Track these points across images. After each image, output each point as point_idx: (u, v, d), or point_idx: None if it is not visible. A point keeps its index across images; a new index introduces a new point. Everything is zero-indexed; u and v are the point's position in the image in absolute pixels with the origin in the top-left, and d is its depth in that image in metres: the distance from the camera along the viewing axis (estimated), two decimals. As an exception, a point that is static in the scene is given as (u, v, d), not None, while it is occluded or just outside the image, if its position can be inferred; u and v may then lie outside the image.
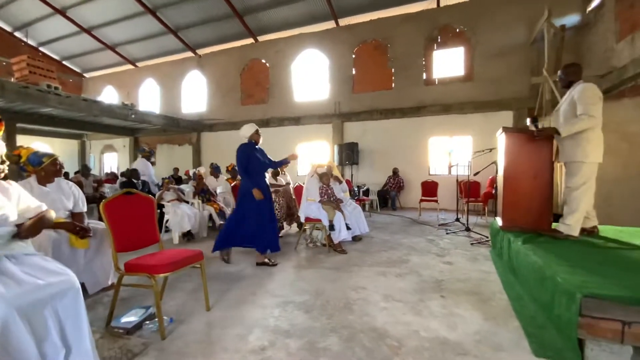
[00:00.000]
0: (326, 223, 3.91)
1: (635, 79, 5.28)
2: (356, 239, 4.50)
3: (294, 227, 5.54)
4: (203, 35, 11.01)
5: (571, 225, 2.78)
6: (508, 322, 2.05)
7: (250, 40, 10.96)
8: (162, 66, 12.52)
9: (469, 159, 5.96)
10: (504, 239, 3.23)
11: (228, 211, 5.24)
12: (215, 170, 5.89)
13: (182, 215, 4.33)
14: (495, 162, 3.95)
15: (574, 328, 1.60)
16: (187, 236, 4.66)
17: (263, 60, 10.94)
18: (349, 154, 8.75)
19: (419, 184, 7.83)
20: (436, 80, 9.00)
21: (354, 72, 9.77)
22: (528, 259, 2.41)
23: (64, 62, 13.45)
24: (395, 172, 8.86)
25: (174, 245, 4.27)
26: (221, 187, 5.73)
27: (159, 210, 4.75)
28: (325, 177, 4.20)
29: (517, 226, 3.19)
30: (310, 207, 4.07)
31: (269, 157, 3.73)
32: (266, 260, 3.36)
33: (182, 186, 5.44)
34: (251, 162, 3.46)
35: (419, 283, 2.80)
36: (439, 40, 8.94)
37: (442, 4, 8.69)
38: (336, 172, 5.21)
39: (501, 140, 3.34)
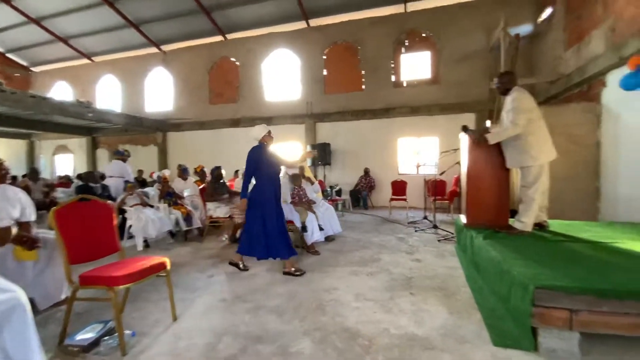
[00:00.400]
0: (299, 225, 3.90)
1: (580, 85, 5.81)
2: (329, 239, 4.53)
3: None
4: (168, 30, 10.51)
5: (525, 222, 3.00)
6: (471, 315, 2.17)
7: (219, 38, 10.65)
8: (123, 62, 11.79)
9: (435, 159, 6.22)
10: (467, 236, 3.40)
11: (197, 214, 5.05)
12: (183, 172, 5.64)
13: (146, 221, 4.11)
14: (459, 162, 4.15)
15: (528, 317, 1.72)
16: (153, 241, 4.44)
17: (232, 59, 10.68)
18: (322, 154, 8.79)
19: (389, 183, 8.05)
20: (404, 83, 9.30)
21: (325, 72, 9.82)
22: (488, 254, 2.57)
23: (8, 55, 12.23)
24: (366, 172, 9.04)
25: (138, 253, 4.04)
26: (189, 189, 5.51)
27: (120, 216, 4.50)
28: (296, 179, 4.18)
29: (479, 223, 3.38)
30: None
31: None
32: (292, 269, 3.10)
33: (147, 189, 5.16)
34: (260, 167, 3.23)
35: (389, 281, 2.88)
36: (406, 44, 9.25)
37: (409, 10, 8.99)
38: (308, 173, 5.21)
39: (463, 141, 3.52)
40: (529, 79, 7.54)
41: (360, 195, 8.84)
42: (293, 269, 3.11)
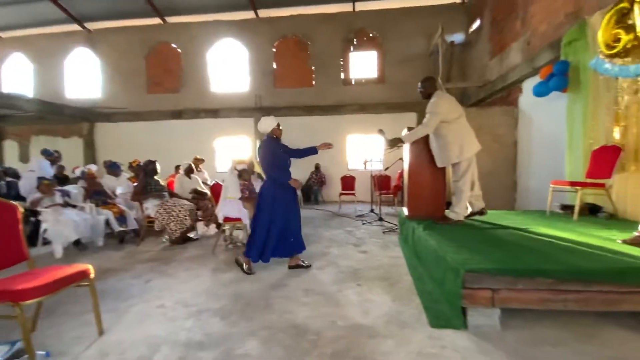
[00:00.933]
0: (247, 222, 3.77)
1: (502, 91, 6.58)
2: None
3: (212, 228, 5.19)
4: (94, 6, 9.27)
5: (458, 212, 3.31)
6: (411, 301, 2.32)
7: (157, 20, 9.72)
8: (36, 39, 10.12)
9: (381, 155, 6.52)
10: (409, 227, 3.64)
11: (133, 214, 4.57)
12: (112, 168, 5.05)
13: (65, 223, 3.59)
14: (401, 159, 4.40)
15: (459, 298, 1.90)
16: (79, 246, 3.91)
17: (174, 45, 9.86)
18: (272, 149, 8.62)
19: (339, 178, 8.24)
20: (353, 81, 9.56)
21: (274, 66, 9.63)
22: (427, 243, 2.77)
23: None
24: (317, 167, 9.13)
25: (56, 261, 3.52)
26: (122, 187, 4.96)
27: (33, 219, 3.88)
28: (245, 174, 4.03)
29: (419, 214, 3.64)
30: (229, 206, 3.85)
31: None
32: (300, 262, 3.11)
33: (69, 187, 4.50)
34: (278, 158, 3.09)
35: (337, 274, 2.94)
36: (355, 42, 9.49)
37: (357, 9, 9.23)
38: (258, 169, 5.06)
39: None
40: (462, 83, 8.31)
41: (312, 191, 8.90)
42: (300, 261, 3.12)
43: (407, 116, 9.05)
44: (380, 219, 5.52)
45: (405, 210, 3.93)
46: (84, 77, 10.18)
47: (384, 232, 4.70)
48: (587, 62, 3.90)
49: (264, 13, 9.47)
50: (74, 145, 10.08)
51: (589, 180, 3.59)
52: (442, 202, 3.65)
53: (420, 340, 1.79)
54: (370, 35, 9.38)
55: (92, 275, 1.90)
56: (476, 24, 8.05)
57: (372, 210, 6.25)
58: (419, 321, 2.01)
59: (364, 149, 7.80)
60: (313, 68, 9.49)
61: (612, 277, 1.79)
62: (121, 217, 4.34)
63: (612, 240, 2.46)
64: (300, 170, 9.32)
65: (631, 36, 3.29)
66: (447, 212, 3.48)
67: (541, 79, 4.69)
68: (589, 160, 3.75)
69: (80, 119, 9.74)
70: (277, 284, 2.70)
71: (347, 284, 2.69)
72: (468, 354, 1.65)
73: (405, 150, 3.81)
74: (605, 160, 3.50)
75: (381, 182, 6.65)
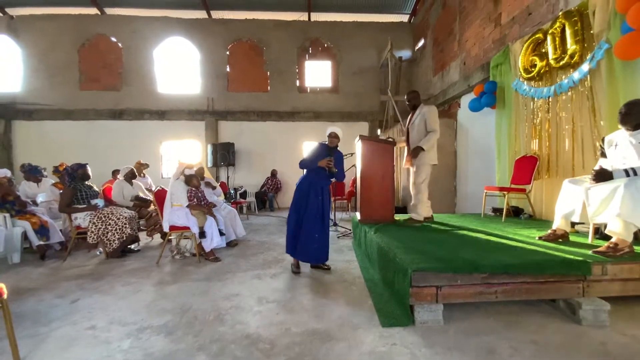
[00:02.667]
0: (196, 230, 3.55)
1: (444, 104, 7.21)
2: (232, 244, 4.29)
3: (157, 237, 4.80)
4: (17, -10, 8.16)
5: (421, 213, 3.67)
6: (364, 303, 2.38)
7: (93, 10, 8.86)
8: None
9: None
10: (361, 231, 3.76)
11: (57, 225, 4.02)
12: (30, 173, 4.40)
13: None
14: (354, 165, 4.55)
15: (407, 297, 2.00)
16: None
17: (113, 39, 9.05)
18: (224, 154, 8.32)
19: (295, 185, 8.21)
20: (308, 89, 9.70)
21: (228, 69, 9.37)
22: (378, 245, 2.88)
23: None
24: (273, 173, 9.01)
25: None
26: (44, 194, 4.35)
27: None
28: (194, 179, 3.81)
29: (371, 219, 3.78)
30: (176, 214, 3.60)
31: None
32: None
33: (-26, 195, 3.80)
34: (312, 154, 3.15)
35: (292, 280, 2.90)
36: (310, 51, 9.67)
37: (312, 19, 9.44)
38: (208, 175, 4.83)
39: (358, 146, 3.89)
40: (409, 96, 8.91)
41: (267, 197, 8.74)
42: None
43: (360, 125, 9.44)
44: (335, 224, 5.62)
45: (358, 215, 4.05)
46: (1, 68, 8.80)
47: (338, 237, 4.79)
48: (510, 83, 4.49)
49: (217, 14, 9.20)
50: (-17, 145, 8.62)
51: (513, 186, 4.09)
52: (391, 207, 3.85)
53: (372, 341, 1.84)
54: (325, 45, 9.64)
55: (5, 295, 1.62)
56: (421, 42, 8.77)
57: (326, 216, 6.33)
58: (370, 322, 2.07)
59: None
60: (268, 73, 9.43)
61: (532, 269, 2.05)
62: (42, 229, 3.78)
63: (532, 237, 2.82)
64: (254, 176, 9.13)
65: (544, 63, 3.87)
66: (411, 215, 3.78)
67: (475, 96, 5.26)
68: (513, 168, 4.27)
69: (-8, 116, 8.37)
70: (228, 294, 2.58)
71: (301, 289, 2.67)
72: (415, 348, 1.74)
73: (358, 157, 3.95)
74: (526, 168, 4.03)
75: (335, 188, 6.80)
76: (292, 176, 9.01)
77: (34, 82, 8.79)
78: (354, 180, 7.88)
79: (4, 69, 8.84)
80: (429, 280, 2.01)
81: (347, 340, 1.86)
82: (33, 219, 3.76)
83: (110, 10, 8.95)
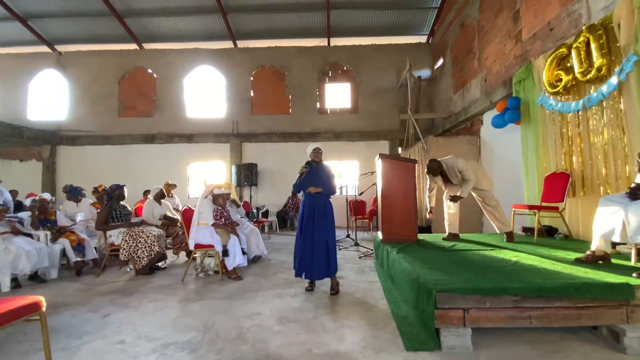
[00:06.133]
0: (219, 248, 3.64)
1: (465, 122, 7.12)
2: (256, 258, 4.38)
3: (183, 255, 4.95)
4: (65, 29, 9.20)
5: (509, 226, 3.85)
6: (387, 325, 2.31)
7: (133, 46, 9.75)
8: (1, 59, 9.72)
9: (356, 181, 6.68)
10: (384, 250, 3.68)
11: (93, 242, 4.27)
12: (71, 193, 4.75)
13: (17, 253, 3.28)
14: (375, 184, 4.54)
15: (432, 319, 1.92)
16: (37, 280, 3.59)
17: (149, 70, 9.85)
18: (248, 174, 8.58)
19: (315, 204, 8.24)
20: (328, 110, 9.94)
21: (252, 94, 9.83)
22: (401, 266, 2.81)
23: None
24: (294, 193, 9.12)
25: (4, 294, 3.16)
26: (83, 213, 4.66)
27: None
28: (220, 199, 3.95)
29: (393, 238, 3.71)
30: (201, 232, 3.73)
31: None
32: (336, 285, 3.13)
33: (22, 214, 4.15)
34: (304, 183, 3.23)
35: (313, 301, 2.88)
36: (330, 74, 9.99)
37: (332, 44, 9.82)
38: (234, 195, 5.00)
39: (378, 165, 3.90)
40: (429, 114, 8.90)
41: (288, 217, 8.82)
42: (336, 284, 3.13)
43: (380, 144, 9.46)
44: (356, 244, 5.54)
45: (379, 235, 3.99)
46: (49, 99, 9.78)
47: (359, 257, 4.71)
48: (535, 98, 4.38)
49: (242, 44, 9.81)
50: (32, 169, 9.45)
51: (544, 204, 3.89)
52: (414, 226, 3.77)
53: (396, 365, 1.77)
54: (345, 68, 9.94)
55: (43, 308, 1.74)
56: (440, 61, 8.83)
57: (348, 235, 6.28)
58: (394, 345, 2.00)
59: (340, 175, 7.99)
60: (290, 97, 9.80)
61: (569, 293, 1.91)
62: (79, 246, 4.03)
63: (567, 259, 2.65)
64: (276, 196, 9.28)
65: (570, 77, 3.77)
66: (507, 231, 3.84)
67: (498, 112, 5.17)
68: (543, 185, 4.08)
69: (41, 142, 9.20)
70: (250, 313, 2.59)
71: (322, 310, 2.64)
72: (442, 375, 1.66)
73: (379, 176, 3.95)
74: (557, 185, 3.84)
75: (356, 207, 6.75)
76: (312, 195, 9.07)
77: (78, 110, 9.66)
78: (375, 199, 7.80)
79: (52, 100, 9.81)
80: (455, 302, 1.93)
81: (369, 363, 1.80)
82: (72, 236, 4.02)
83: (148, 45, 9.81)
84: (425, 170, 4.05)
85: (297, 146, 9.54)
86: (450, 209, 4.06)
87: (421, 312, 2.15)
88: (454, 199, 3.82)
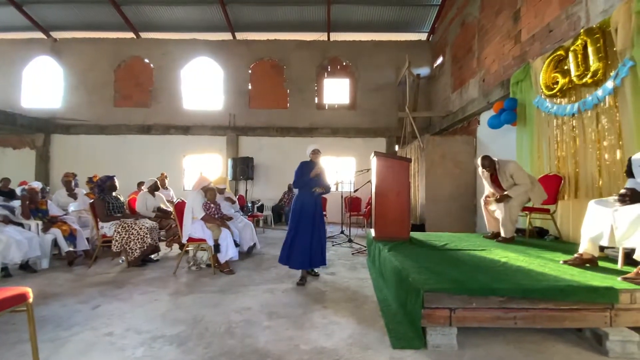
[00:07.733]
0: (211, 243, 3.64)
1: (462, 121, 7.12)
2: (250, 250, 4.48)
3: (176, 248, 4.95)
4: (61, 16, 9.02)
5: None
6: (376, 322, 2.33)
7: (129, 35, 9.60)
8: (-6, 44, 9.54)
9: (352, 177, 6.69)
10: (376, 248, 3.71)
11: (85, 233, 4.25)
12: (70, 183, 4.71)
13: (7, 243, 3.26)
14: (370, 181, 4.55)
15: (419, 318, 1.94)
16: (25, 269, 3.57)
17: (146, 60, 9.72)
18: (244, 168, 8.54)
19: (311, 199, 8.25)
20: (326, 106, 9.89)
21: (250, 87, 9.75)
22: (392, 264, 2.83)
23: None
24: (290, 188, 9.10)
25: (-8, 284, 3.15)
26: (76, 203, 4.63)
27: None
28: (210, 192, 3.93)
29: (386, 236, 3.73)
30: (193, 226, 3.72)
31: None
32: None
33: (13, 203, 4.11)
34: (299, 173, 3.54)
35: (303, 296, 2.89)
36: (328, 69, 9.92)
37: (332, 39, 9.74)
38: (229, 190, 4.98)
39: (373, 162, 3.90)
40: (427, 113, 8.89)
41: (283, 211, 8.82)
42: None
43: (377, 141, 9.45)
44: (350, 240, 5.57)
45: (372, 232, 4.01)
46: (43, 86, 9.63)
47: (352, 254, 4.73)
48: (532, 100, 4.39)
49: (241, 35, 9.69)
50: (25, 157, 9.34)
51: (535, 206, 3.92)
52: (407, 224, 3.79)
53: (381, 362, 1.79)
54: (344, 63, 9.87)
55: (30, 300, 1.73)
56: (439, 60, 8.79)
57: (342, 232, 6.30)
58: (382, 343, 2.02)
59: (336, 171, 7.97)
60: (288, 91, 9.73)
61: (553, 294, 1.94)
62: (71, 236, 4.01)
63: (555, 261, 2.68)
64: (272, 190, 9.27)
65: (566, 80, 3.78)
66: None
67: (495, 113, 5.17)
68: (536, 187, 4.10)
69: (35, 130, 9.08)
70: (240, 308, 2.60)
71: (312, 306, 2.65)
72: (426, 374, 1.68)
73: (373, 174, 3.95)
74: (549, 187, 3.86)
75: (351, 204, 6.77)
76: (308, 191, 9.07)
77: (73, 99, 9.52)
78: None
79: (46, 87, 9.66)
80: (442, 301, 1.95)
81: (355, 360, 1.82)
82: (64, 226, 4.00)
83: (145, 34, 9.66)
84: (479, 168, 3.92)
85: (294, 141, 9.49)
86: (495, 212, 3.89)
87: (409, 311, 2.17)
88: (501, 198, 3.69)
